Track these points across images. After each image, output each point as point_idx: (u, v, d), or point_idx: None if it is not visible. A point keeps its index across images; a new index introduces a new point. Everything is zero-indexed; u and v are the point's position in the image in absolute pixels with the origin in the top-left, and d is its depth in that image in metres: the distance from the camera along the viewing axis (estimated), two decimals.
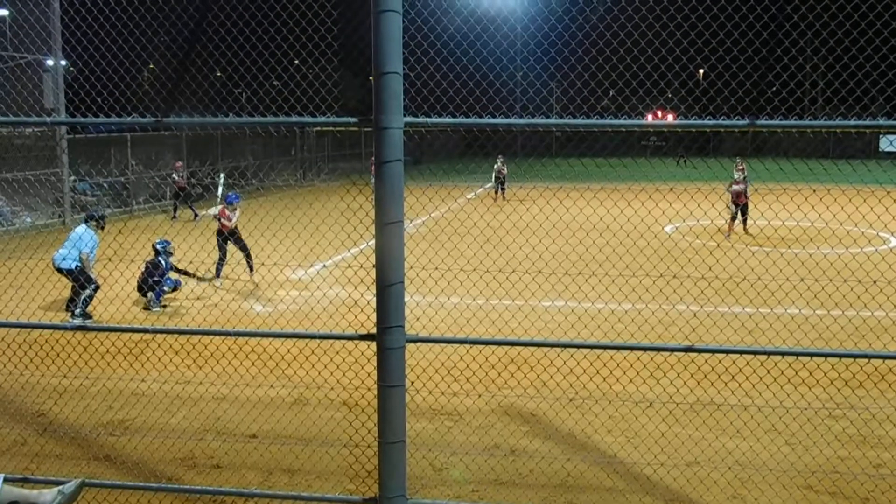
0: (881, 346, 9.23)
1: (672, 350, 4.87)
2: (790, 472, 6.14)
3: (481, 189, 30.07)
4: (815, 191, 6.38)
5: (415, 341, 4.66)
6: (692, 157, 41.72)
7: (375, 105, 4.27)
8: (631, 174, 30.43)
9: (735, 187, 18.37)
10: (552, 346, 7.12)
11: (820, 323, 10.16)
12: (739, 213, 18.61)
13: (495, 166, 27.61)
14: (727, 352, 4.59)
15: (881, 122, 4.66)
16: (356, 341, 4.87)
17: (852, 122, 4.65)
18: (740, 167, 18.41)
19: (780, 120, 4.64)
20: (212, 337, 8.63)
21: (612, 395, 7.69)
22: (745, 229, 18.90)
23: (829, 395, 7.53)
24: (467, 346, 7.60)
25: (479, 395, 7.68)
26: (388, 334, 4.43)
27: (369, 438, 5.77)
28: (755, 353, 4.87)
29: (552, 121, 5.02)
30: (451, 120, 4.63)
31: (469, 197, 28.35)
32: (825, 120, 4.75)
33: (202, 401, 7.58)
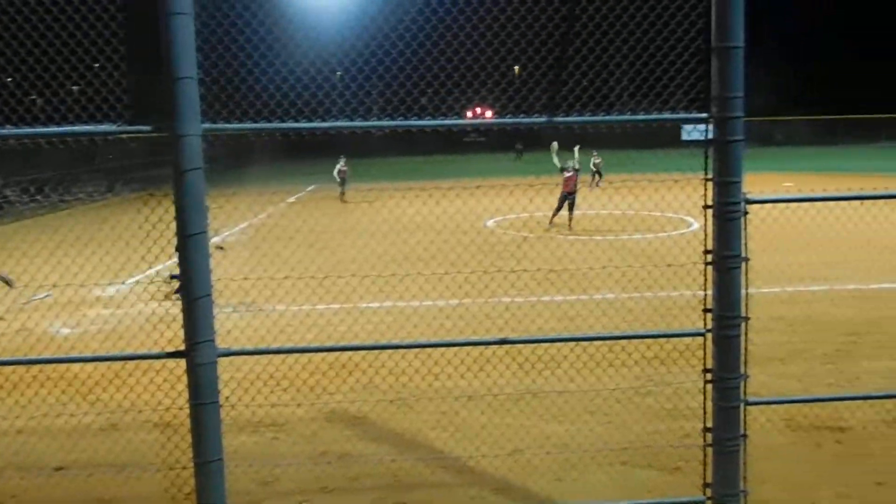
0: (685, 324, 9.90)
1: (487, 343, 5.00)
2: (608, 449, 6.46)
3: (309, 189, 29.66)
4: (623, 181, 6.74)
5: (227, 355, 4.49)
6: (531, 152, 42.96)
7: (171, 112, 4.08)
8: (453, 171, 31.06)
9: (567, 174, 18.75)
10: (360, 349, 7.11)
11: (631, 305, 10.77)
12: (567, 207, 18.90)
13: (337, 167, 27.25)
14: (537, 341, 4.75)
15: (666, 115, 4.97)
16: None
17: (640, 118, 4.94)
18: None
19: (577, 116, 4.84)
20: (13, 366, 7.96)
21: (438, 391, 7.79)
22: (569, 225, 19.06)
23: (640, 373, 7.99)
24: (294, 354, 7.47)
25: (305, 404, 7.54)
26: (197, 350, 4.25)
27: (185, 460, 5.51)
28: (564, 340, 5.09)
29: (358, 123, 4.95)
30: (253, 125, 4.50)
31: (290, 200, 27.81)
32: (630, 114, 4.98)
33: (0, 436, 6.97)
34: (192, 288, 4.19)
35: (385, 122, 4.96)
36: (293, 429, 7.05)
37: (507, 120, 4.78)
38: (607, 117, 4.83)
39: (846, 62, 60.89)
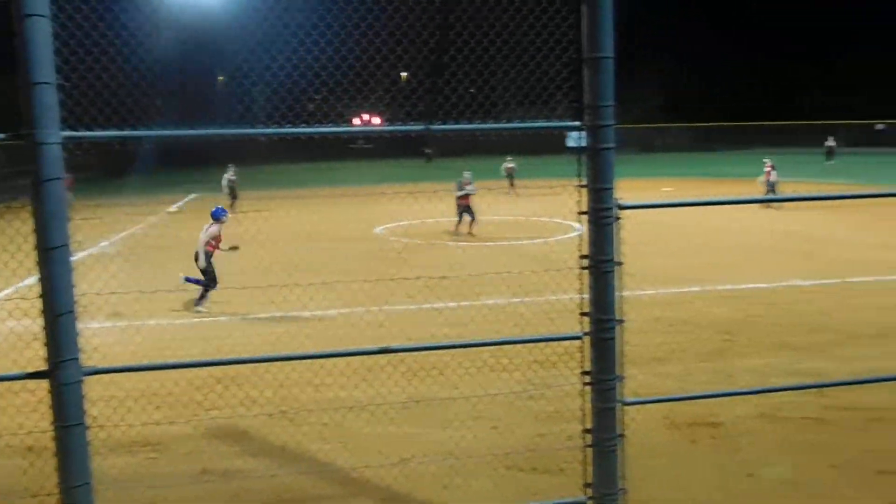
0: (572, 327, 10.12)
1: (368, 353, 4.95)
2: (493, 454, 6.51)
3: (190, 198, 28.77)
4: (514, 186, 6.81)
5: (94, 373, 4.27)
6: (441, 158, 42.95)
7: (28, 119, 3.86)
8: (341, 178, 30.81)
9: (459, 192, 19.24)
10: (239, 362, 6.90)
11: (520, 310, 10.92)
12: (466, 215, 19.38)
13: (225, 176, 26.25)
14: (419, 349, 4.75)
15: (540, 123, 5.06)
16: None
17: (516, 125, 5.00)
18: (466, 182, 19.27)
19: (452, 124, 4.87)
20: None
21: (325, 402, 7.68)
22: (470, 230, 19.52)
23: (526, 377, 8.10)
24: (174, 369, 7.20)
25: (185, 421, 7.28)
26: (61, 369, 4.03)
27: (49, 485, 5.21)
28: (443, 347, 5.09)
29: (237, 130, 4.80)
30: (116, 133, 4.30)
31: (171, 210, 26.88)
32: (510, 122, 5.04)
33: None
34: (53, 304, 3.97)
35: (269, 130, 4.80)
36: (172, 447, 6.80)
37: (386, 128, 4.78)
38: (483, 125, 4.88)
39: (725, 72, 64.14)
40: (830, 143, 46.30)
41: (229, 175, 26.38)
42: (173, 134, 4.50)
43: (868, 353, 9.46)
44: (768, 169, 25.79)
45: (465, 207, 19.27)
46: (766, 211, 23.42)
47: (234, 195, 26.02)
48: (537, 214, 20.92)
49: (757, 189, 25.80)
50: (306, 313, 9.96)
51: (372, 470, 6.18)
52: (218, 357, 8.50)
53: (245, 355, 8.36)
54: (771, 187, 25.55)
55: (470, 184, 19.36)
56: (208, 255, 11.31)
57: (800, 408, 7.54)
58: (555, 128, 5.11)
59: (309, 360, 8.26)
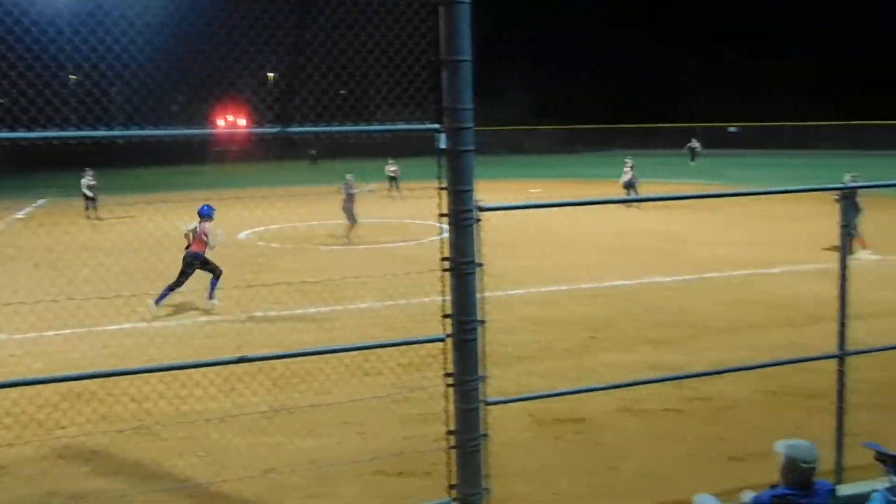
0: (436, 330, 10.14)
1: (225, 363, 4.75)
2: (362, 460, 6.41)
3: (38, 203, 27.07)
4: (387, 189, 6.70)
5: None
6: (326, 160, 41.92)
7: None
8: (210, 182, 29.85)
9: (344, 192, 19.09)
10: (93, 377, 6.48)
11: (388, 313, 10.85)
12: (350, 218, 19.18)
13: (83, 181, 24.67)
14: (278, 357, 4.60)
15: (399, 126, 5.00)
16: None
17: (374, 128, 4.94)
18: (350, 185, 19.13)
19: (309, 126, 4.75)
20: None
21: (182, 415, 7.34)
22: (347, 234, 19.25)
23: (395, 381, 8.04)
24: (16, 387, 6.70)
25: (32, 441, 6.79)
26: None
27: None
28: (304, 354, 4.97)
29: (85, 132, 4.49)
30: None
31: (18, 216, 25.17)
32: (385, 125, 4.96)
33: None
34: None
35: (127, 132, 4.51)
36: (17, 470, 6.32)
37: (239, 129, 4.58)
38: (342, 128, 4.78)
39: (592, 75, 66.37)
40: (694, 144, 47.50)
41: (87, 179, 24.85)
42: (19, 136, 4.15)
43: (719, 346, 9.98)
44: (627, 169, 26.84)
45: (348, 210, 19.13)
46: (631, 210, 24.37)
47: (92, 200, 24.52)
48: (412, 217, 20.94)
49: (620, 190, 26.82)
50: (159, 323, 9.51)
51: (233, 483, 5.95)
52: (62, 373, 7.95)
53: (91, 369, 7.86)
54: (630, 187, 26.60)
55: (353, 187, 19.24)
56: (198, 255, 11.01)
57: (660, 400, 7.84)
58: (414, 130, 5.07)
59: (162, 373, 7.87)
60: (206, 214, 11.29)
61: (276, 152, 48.93)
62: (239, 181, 30.45)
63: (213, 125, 6.22)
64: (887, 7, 55.62)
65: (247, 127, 5.18)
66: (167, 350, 9.28)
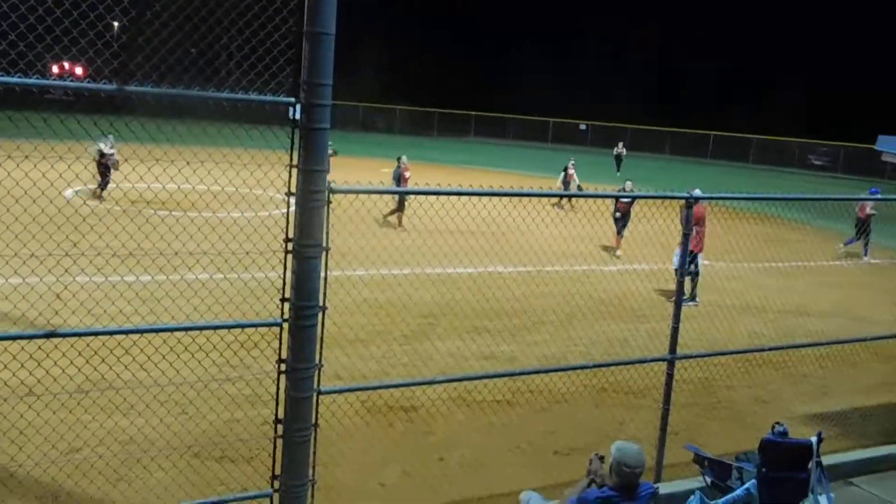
0: (271, 307, 9.78)
1: (31, 337, 4.30)
2: (180, 443, 6.06)
3: None
4: (224, 155, 6.26)
5: None
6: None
7: None
8: (31, 132, 27.49)
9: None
10: None
11: (223, 287, 10.34)
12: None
13: None
14: (95, 333, 4.22)
15: (252, 97, 4.69)
16: None
17: (223, 95, 4.60)
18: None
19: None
20: None
21: None
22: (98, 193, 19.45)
23: (221, 360, 7.63)
24: None
25: None
26: None
27: None
28: (123, 332, 4.59)
29: None
30: None
31: None
32: (241, 93, 4.63)
33: None
34: None
35: None
36: None
37: (71, 84, 4.14)
38: (188, 91, 4.43)
39: (446, 59, 66.64)
40: (620, 150, 42.45)
41: None
42: None
43: (554, 338, 10.27)
44: (570, 171, 25.61)
45: (104, 169, 19.12)
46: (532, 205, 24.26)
47: None
48: (249, 185, 20.17)
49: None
50: None
51: (35, 464, 5.44)
52: None
53: None
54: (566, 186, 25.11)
55: (111, 147, 19.10)
56: None
57: (492, 391, 7.93)
58: (268, 102, 4.79)
59: None
60: None
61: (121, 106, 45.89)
62: (76, 133, 28.28)
63: (49, 73, 5.67)
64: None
65: (79, 80, 4.70)
66: None
